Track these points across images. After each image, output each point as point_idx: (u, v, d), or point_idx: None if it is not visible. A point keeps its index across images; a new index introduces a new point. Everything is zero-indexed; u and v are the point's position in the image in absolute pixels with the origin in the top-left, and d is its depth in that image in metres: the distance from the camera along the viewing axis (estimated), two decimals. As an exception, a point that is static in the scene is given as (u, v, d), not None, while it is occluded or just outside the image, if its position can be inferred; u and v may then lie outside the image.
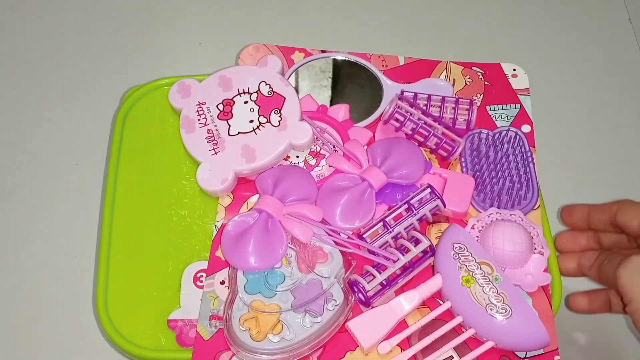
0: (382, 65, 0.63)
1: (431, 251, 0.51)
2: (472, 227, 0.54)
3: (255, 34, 0.67)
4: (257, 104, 0.56)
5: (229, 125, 0.55)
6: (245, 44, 0.63)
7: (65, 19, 0.71)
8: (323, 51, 0.63)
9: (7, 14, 0.70)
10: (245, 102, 0.56)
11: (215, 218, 0.55)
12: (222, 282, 0.51)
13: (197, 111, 0.56)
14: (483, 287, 0.47)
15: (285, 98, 0.56)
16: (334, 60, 0.63)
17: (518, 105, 0.62)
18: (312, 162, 0.58)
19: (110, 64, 0.69)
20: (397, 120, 0.57)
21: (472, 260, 0.48)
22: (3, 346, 0.56)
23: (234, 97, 0.56)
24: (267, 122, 0.55)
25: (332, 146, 0.57)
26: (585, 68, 0.72)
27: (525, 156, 0.58)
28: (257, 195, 0.55)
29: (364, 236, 0.52)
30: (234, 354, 0.48)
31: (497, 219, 0.54)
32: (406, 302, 0.49)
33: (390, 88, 0.61)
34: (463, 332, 0.49)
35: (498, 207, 0.55)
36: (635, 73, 0.72)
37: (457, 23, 0.74)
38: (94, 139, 0.65)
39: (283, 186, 0.53)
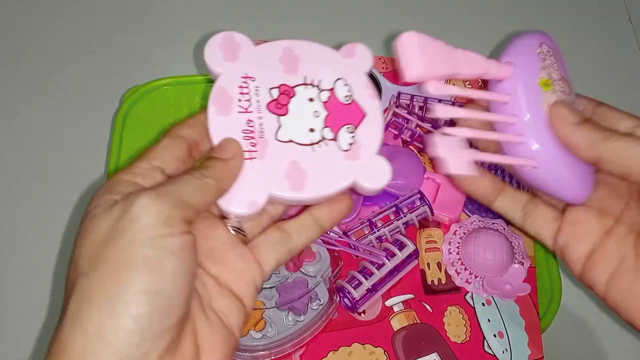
0: (383, 67, 0.68)
1: (415, 255, 0.55)
2: (454, 233, 0.57)
3: (256, 33, 0.69)
4: (325, 108, 0.42)
5: (280, 125, 0.41)
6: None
7: (65, 19, 0.74)
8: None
9: (7, 14, 0.75)
10: (311, 100, 0.42)
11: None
12: (210, 279, 0.56)
13: (241, 86, 0.42)
14: (559, 97, 0.38)
15: (366, 114, 0.42)
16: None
17: (516, 112, 0.64)
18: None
19: (110, 64, 0.72)
20: (395, 127, 0.61)
21: (557, 70, 0.39)
22: (3, 347, 0.60)
23: (296, 85, 0.42)
24: (333, 139, 0.41)
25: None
26: (584, 68, 0.75)
27: (521, 165, 0.61)
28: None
29: (348, 234, 0.56)
30: (216, 349, 0.53)
31: (479, 226, 0.58)
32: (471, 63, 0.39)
33: (390, 90, 0.65)
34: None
35: (485, 212, 0.59)
36: (635, 73, 0.75)
37: (459, 27, 0.78)
38: (94, 139, 0.68)
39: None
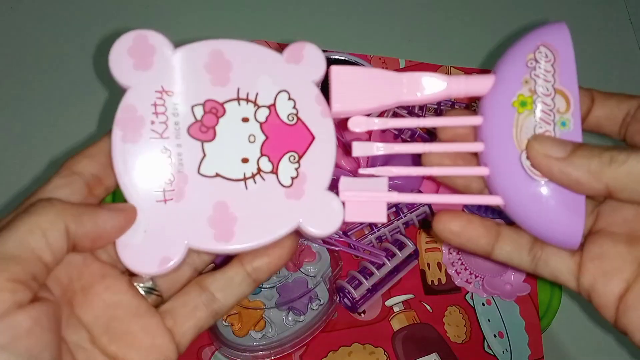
0: (383, 68, 0.68)
1: (415, 255, 0.56)
2: (456, 231, 0.58)
3: (255, 33, 0.71)
4: (263, 131, 0.34)
5: (204, 154, 0.33)
6: (245, 43, 0.68)
7: (65, 18, 0.75)
8: (324, 51, 0.69)
9: (7, 14, 0.76)
10: (245, 120, 0.33)
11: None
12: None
13: (155, 104, 0.33)
14: (537, 124, 0.32)
15: (314, 138, 0.34)
16: (334, 60, 0.68)
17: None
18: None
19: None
20: (395, 127, 0.62)
21: (550, 82, 0.33)
22: None
23: (227, 101, 0.34)
24: (272, 172, 0.33)
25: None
26: (584, 68, 0.75)
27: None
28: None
29: (348, 234, 0.57)
30: (216, 350, 0.54)
31: (480, 225, 0.58)
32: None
33: (389, 90, 0.66)
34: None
35: (485, 211, 0.59)
36: (635, 73, 0.76)
37: (460, 27, 0.78)
38: (94, 139, 0.70)
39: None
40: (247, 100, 0.33)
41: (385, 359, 0.54)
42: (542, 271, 0.34)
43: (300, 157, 0.33)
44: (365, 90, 0.33)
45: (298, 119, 0.33)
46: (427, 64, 0.68)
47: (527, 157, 0.31)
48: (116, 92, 0.33)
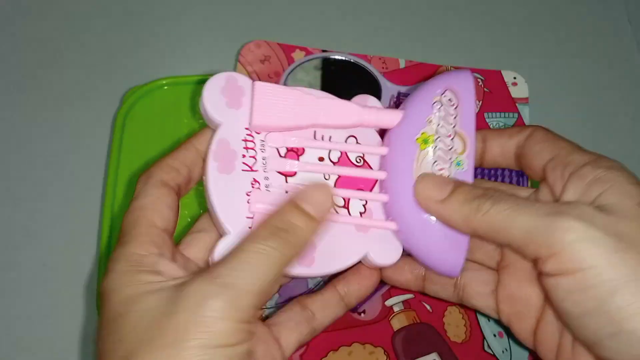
0: (383, 68, 0.69)
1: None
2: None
3: (256, 32, 0.71)
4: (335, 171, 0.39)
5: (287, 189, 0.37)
6: (247, 43, 0.68)
7: (65, 18, 0.74)
8: (324, 51, 0.69)
9: (7, 14, 0.76)
10: (320, 160, 0.38)
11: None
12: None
13: (245, 139, 0.36)
14: (435, 161, 0.36)
15: (377, 179, 0.39)
16: (334, 59, 0.69)
17: (516, 114, 0.66)
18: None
19: (110, 64, 0.72)
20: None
21: (451, 125, 0.36)
22: (4, 346, 0.60)
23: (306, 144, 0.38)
24: (344, 206, 0.38)
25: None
26: (583, 69, 0.76)
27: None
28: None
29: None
30: (217, 349, 0.55)
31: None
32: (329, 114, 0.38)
33: (390, 90, 0.67)
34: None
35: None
36: (634, 74, 0.76)
37: (460, 27, 0.78)
38: (94, 139, 0.68)
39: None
40: (323, 141, 0.38)
41: (385, 358, 0.54)
42: (469, 306, 0.40)
43: (366, 195, 0.38)
44: (285, 109, 0.36)
45: (364, 161, 0.39)
46: (427, 64, 0.69)
47: None
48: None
